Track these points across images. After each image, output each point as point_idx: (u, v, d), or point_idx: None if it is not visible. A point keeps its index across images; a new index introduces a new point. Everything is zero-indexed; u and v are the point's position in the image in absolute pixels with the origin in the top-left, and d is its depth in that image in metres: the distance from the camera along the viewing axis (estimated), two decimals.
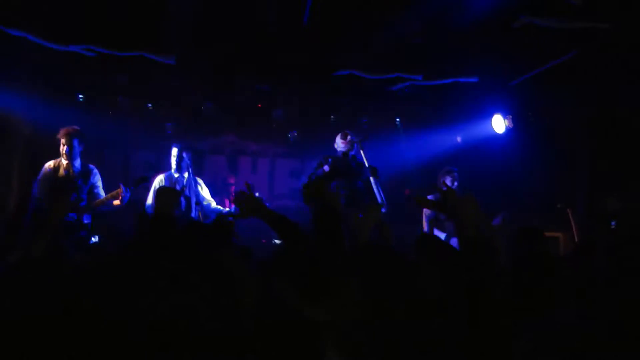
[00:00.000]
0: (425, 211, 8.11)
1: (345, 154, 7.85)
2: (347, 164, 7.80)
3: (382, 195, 7.21)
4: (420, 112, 9.48)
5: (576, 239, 7.58)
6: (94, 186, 7.44)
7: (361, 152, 7.55)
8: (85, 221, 7.28)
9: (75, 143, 7.23)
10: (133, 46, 7.75)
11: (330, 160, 7.74)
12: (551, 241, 7.53)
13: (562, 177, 8.53)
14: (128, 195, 7.08)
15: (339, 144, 7.94)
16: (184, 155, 7.86)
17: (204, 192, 7.95)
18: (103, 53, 7.71)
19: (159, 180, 7.82)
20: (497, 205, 7.67)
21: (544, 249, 4.87)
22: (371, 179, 7.32)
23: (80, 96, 8.55)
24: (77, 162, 7.30)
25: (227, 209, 7.86)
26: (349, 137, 7.86)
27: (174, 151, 7.92)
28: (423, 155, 9.46)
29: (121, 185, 7.11)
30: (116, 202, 7.13)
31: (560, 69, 7.99)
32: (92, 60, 7.83)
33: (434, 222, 7.93)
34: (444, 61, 8.29)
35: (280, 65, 8.47)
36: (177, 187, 7.77)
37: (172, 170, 7.89)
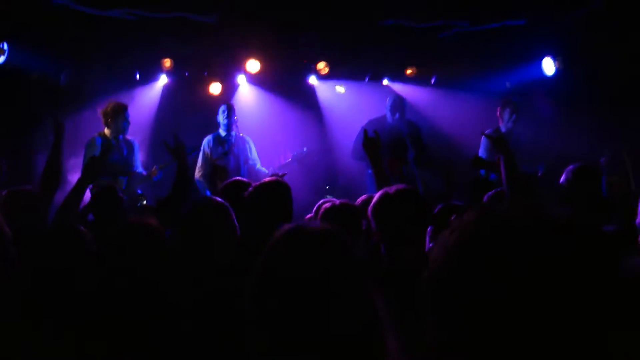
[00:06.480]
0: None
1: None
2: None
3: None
4: (467, 58, 9.19)
5: (631, 184, 7.36)
6: (134, 159, 7.43)
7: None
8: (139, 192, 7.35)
9: (124, 118, 7.22)
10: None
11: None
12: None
13: (614, 120, 8.25)
14: (159, 176, 7.23)
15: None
16: (233, 113, 7.82)
17: (252, 151, 7.92)
18: (143, 16, 7.64)
19: (206, 142, 7.82)
20: (546, 149, 7.74)
21: (599, 191, 4.75)
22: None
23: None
24: (122, 135, 7.32)
25: (272, 168, 7.73)
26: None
27: (224, 109, 7.87)
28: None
29: (156, 167, 7.21)
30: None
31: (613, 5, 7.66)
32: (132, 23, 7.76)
33: None
34: (490, 5, 8.03)
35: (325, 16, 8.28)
36: (226, 147, 7.76)
37: (220, 130, 7.87)
